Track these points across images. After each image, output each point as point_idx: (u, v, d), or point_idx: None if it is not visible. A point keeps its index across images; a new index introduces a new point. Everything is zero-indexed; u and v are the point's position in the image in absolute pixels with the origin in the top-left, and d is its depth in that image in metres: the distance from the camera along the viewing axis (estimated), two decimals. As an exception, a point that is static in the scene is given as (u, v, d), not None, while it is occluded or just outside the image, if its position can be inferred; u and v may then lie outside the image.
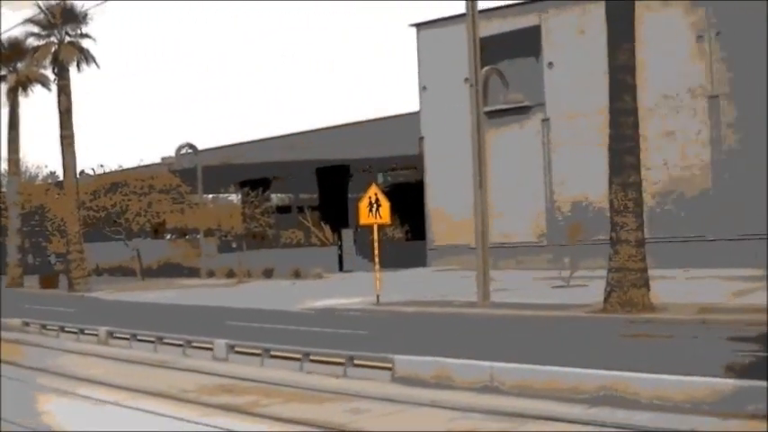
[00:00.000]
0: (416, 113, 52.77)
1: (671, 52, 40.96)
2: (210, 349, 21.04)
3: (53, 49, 51.39)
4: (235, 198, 73.12)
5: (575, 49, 44.03)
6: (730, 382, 12.56)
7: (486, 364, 15.29)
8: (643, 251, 24.26)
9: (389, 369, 16.55)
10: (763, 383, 12.08)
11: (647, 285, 24.12)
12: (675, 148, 41.29)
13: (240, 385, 17.09)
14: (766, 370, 12.67)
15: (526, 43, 46.96)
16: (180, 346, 22.26)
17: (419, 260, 51.49)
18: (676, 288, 29.00)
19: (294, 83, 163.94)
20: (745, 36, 39.53)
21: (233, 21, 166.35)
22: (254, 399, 15.48)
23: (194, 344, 21.90)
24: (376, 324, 25.43)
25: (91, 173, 68.75)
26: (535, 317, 24.89)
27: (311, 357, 18.29)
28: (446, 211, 48.94)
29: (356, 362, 17.36)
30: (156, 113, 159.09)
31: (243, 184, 63.26)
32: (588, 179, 38.96)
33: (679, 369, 13.55)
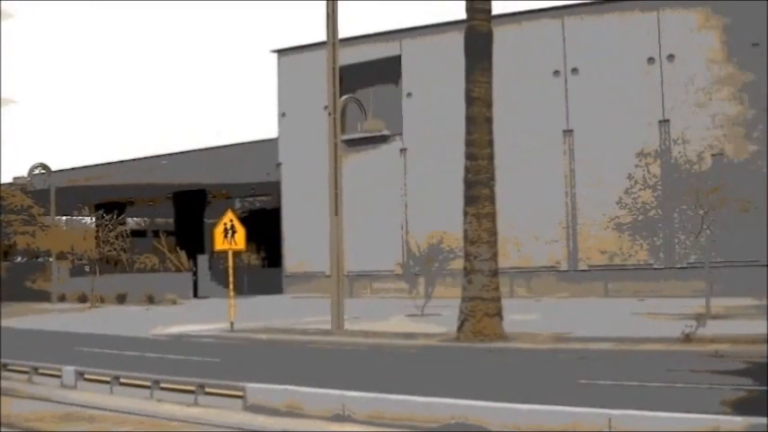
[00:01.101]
0: (275, 140, 52.64)
1: (530, 86, 41.89)
2: (59, 376, 20.44)
3: None
4: (89, 221, 71.55)
5: (434, 80, 44.58)
6: (578, 411, 12.77)
7: (338, 392, 15.22)
8: (496, 280, 24.61)
9: (241, 397, 16.34)
10: (606, 411, 12.38)
11: (499, 314, 24.47)
12: (533, 180, 42.03)
13: (88, 413, 16.65)
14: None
15: (387, 72, 47.40)
16: (26, 372, 21.57)
17: (275, 287, 51.26)
18: (529, 317, 29.49)
19: (154, 105, 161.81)
20: (601, 73, 40.72)
21: (92, 38, 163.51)
22: (101, 427, 15.10)
23: (41, 371, 21.23)
24: (229, 351, 25.14)
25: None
26: (388, 345, 24.95)
27: (162, 385, 17.94)
28: (302, 237, 48.84)
29: (207, 390, 17.08)
30: (10, 131, 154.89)
31: (98, 207, 61.99)
32: (445, 209, 39.40)
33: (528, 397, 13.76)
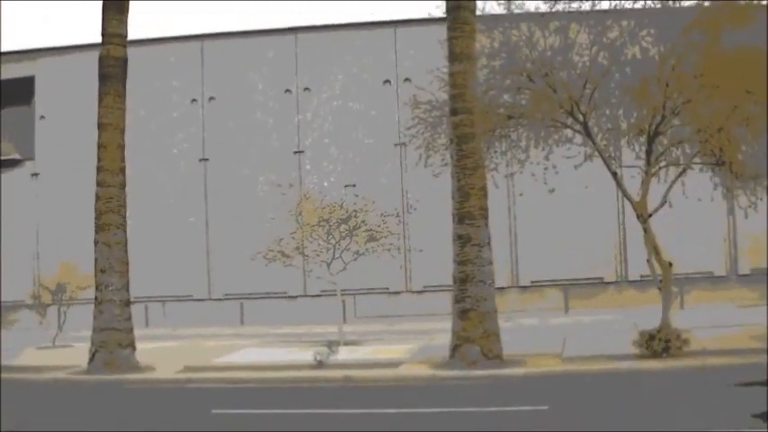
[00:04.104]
0: None
1: (168, 114, 41.41)
2: None
3: None
4: None
5: (70, 103, 42.99)
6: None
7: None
8: (129, 311, 24.17)
9: None
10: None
11: (132, 345, 24.03)
12: (174, 207, 41.26)
13: None
14: None
15: (21, 93, 45.29)
16: None
17: None
18: (166, 348, 29.03)
19: None
20: (232, 103, 40.98)
21: None
22: None
23: None
24: None
25: None
26: (16, 379, 23.69)
27: None
28: None
29: None
30: None
31: None
32: (80, 237, 38.03)
33: None
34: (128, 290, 24.27)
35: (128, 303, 24.21)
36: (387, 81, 40.07)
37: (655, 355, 21.42)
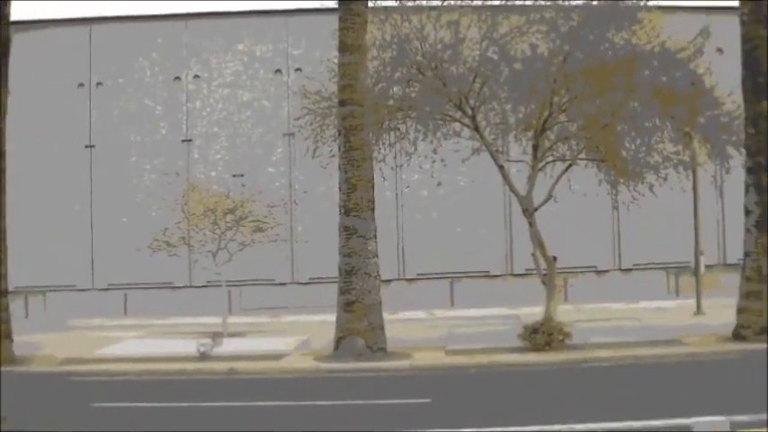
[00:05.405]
0: None
1: (53, 99, 40.31)
2: None
3: None
4: None
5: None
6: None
7: None
8: (6, 301, 23.55)
9: None
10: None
11: (9, 336, 23.40)
12: (57, 194, 40.27)
13: None
14: None
15: None
16: None
17: None
18: (46, 339, 28.33)
19: None
20: (120, 89, 40.21)
21: None
22: None
23: None
24: None
25: None
26: None
27: None
28: None
29: None
30: None
31: None
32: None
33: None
34: (6, 279, 23.63)
35: (5, 293, 23.56)
36: (278, 70, 39.79)
37: (537, 348, 21.70)
